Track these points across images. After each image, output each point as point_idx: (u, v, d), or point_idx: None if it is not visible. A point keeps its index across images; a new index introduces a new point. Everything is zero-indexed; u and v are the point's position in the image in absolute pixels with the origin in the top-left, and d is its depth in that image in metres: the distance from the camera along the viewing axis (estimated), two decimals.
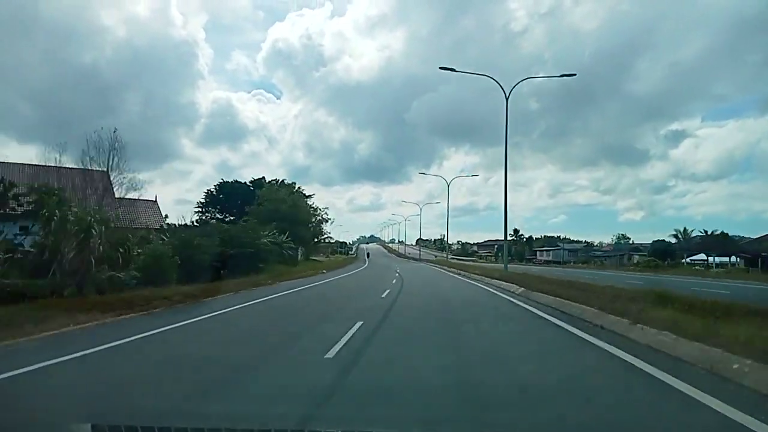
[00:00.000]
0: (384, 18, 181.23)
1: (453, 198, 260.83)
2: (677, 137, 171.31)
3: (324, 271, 41.17)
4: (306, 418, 4.57)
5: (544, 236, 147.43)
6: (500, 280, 22.19)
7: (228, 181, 74.90)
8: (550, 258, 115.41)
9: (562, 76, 28.09)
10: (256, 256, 33.36)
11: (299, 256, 64.46)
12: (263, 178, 74.34)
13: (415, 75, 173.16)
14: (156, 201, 39.32)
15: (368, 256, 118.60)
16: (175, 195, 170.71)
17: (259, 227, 47.52)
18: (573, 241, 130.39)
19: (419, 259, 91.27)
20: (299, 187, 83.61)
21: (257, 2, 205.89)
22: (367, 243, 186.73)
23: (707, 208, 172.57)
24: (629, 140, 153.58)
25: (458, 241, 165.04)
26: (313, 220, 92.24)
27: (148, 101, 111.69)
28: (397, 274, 34.35)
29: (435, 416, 4.81)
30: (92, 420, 4.45)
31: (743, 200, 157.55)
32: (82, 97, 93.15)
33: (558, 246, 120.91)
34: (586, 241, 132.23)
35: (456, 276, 33.37)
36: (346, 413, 4.88)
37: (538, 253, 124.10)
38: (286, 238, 49.02)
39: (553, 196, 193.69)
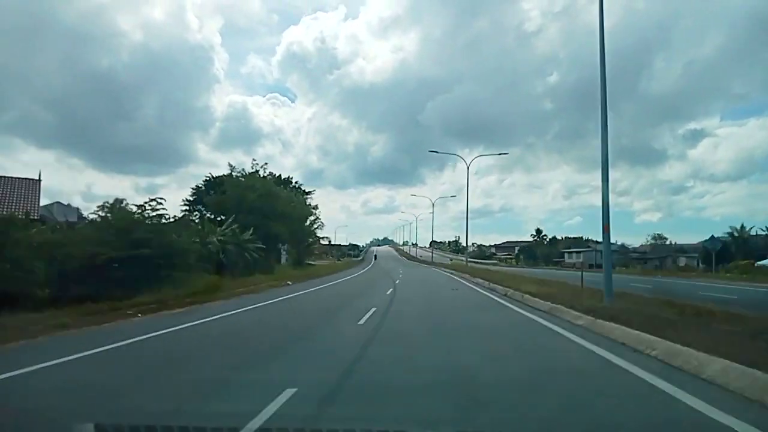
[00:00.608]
0: (397, 19, 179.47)
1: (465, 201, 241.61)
2: (695, 137, 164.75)
3: (290, 282, 28.33)
4: None
5: (565, 237, 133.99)
6: (630, 328, 8.70)
7: (218, 176, 63.70)
8: (581, 260, 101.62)
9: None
10: (170, 261, 20.43)
11: (283, 260, 51.76)
12: (257, 172, 63.94)
13: (429, 76, 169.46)
14: (39, 180, 26.69)
15: (375, 258, 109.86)
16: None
17: (205, 223, 35.04)
18: (597, 241, 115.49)
19: (432, 263, 77.84)
20: (296, 183, 72.15)
21: (272, 5, 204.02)
22: (379, 245, 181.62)
23: (726, 209, 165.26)
24: (646, 140, 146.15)
25: (474, 243, 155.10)
26: (311, 218, 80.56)
27: (164, 105, 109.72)
28: (391, 290, 21.59)
29: None
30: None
31: (763, 200, 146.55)
32: (98, 102, 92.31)
33: (589, 247, 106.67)
34: (617, 242, 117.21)
35: (497, 299, 17.76)
36: None
37: (566, 255, 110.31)
38: (251, 234, 36.44)
39: (568, 198, 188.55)
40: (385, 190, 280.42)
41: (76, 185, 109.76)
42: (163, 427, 3.68)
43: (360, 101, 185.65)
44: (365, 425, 4.18)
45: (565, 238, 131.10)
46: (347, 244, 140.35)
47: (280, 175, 67.62)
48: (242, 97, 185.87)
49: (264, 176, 41.27)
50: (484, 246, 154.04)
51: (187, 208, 60.12)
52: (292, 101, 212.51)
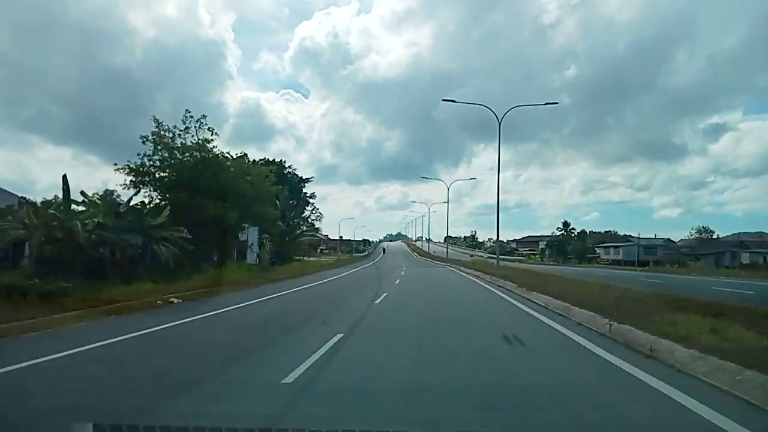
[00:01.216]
0: (411, 13, 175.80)
1: (482, 197, 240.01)
2: (717, 131, 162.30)
3: (176, 300, 14.88)
4: None
5: (591, 231, 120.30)
6: None
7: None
8: (620, 256, 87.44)
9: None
10: None
11: (252, 257, 38.44)
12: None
13: (443, 70, 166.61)
14: None
15: (383, 252, 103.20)
16: None
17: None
18: (631, 236, 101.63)
19: (446, 260, 63.94)
20: (290, 167, 60.73)
21: (284, 1, 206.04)
22: (392, 241, 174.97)
23: (748, 205, 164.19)
24: (666, 135, 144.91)
25: (489, 239, 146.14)
26: (308, 208, 68.13)
27: (177, 102, 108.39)
28: (338, 339, 7.88)
29: None
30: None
31: None
32: (113, 99, 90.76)
33: (629, 241, 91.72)
34: (655, 235, 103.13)
35: None
36: None
37: (601, 250, 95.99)
38: (166, 217, 23.61)
39: (585, 194, 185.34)
40: (399, 186, 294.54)
41: (94, 182, 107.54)
42: (162, 427, 3.45)
43: (373, 96, 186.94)
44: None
45: (592, 232, 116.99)
46: (361, 239, 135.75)
47: (273, 159, 56.26)
48: (255, 93, 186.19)
49: (208, 142, 27.66)
50: (502, 241, 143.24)
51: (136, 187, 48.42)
52: (306, 97, 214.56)
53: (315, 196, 62.80)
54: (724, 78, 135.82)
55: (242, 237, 36.55)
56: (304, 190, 66.99)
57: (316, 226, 75.06)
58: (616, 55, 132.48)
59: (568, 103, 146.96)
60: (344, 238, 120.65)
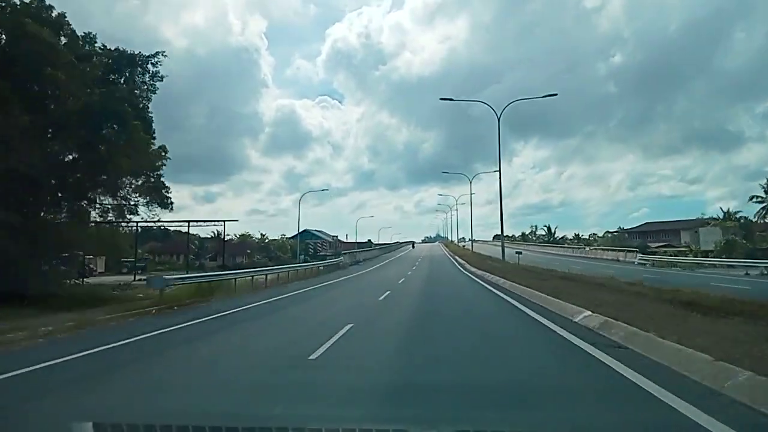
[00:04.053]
0: (444, 5, 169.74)
1: (523, 196, 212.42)
2: None
3: None
4: None
5: None
6: None
7: None
8: None
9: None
10: None
11: None
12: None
13: (479, 65, 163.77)
14: None
15: (413, 247, 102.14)
16: (248, 206, 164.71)
17: None
18: None
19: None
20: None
21: (315, 3, 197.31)
22: (424, 242, 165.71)
23: None
24: (721, 122, 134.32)
25: (562, 235, 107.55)
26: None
27: (211, 114, 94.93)
28: None
29: None
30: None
31: None
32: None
33: None
34: None
35: None
36: None
37: None
38: None
39: (633, 189, 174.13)
40: (438, 189, 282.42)
41: None
42: (162, 426, 3.62)
43: (408, 96, 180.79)
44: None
45: None
46: (393, 242, 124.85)
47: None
48: (290, 100, 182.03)
49: None
50: (619, 230, 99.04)
51: None
52: (341, 102, 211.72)
53: (161, 77, 23.70)
54: None
55: None
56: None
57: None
58: (666, 38, 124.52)
59: (614, 92, 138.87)
60: (375, 241, 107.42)
